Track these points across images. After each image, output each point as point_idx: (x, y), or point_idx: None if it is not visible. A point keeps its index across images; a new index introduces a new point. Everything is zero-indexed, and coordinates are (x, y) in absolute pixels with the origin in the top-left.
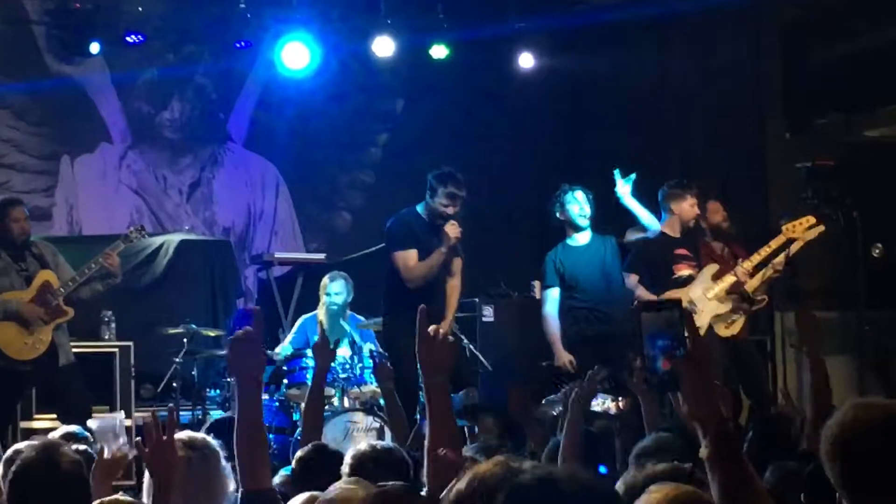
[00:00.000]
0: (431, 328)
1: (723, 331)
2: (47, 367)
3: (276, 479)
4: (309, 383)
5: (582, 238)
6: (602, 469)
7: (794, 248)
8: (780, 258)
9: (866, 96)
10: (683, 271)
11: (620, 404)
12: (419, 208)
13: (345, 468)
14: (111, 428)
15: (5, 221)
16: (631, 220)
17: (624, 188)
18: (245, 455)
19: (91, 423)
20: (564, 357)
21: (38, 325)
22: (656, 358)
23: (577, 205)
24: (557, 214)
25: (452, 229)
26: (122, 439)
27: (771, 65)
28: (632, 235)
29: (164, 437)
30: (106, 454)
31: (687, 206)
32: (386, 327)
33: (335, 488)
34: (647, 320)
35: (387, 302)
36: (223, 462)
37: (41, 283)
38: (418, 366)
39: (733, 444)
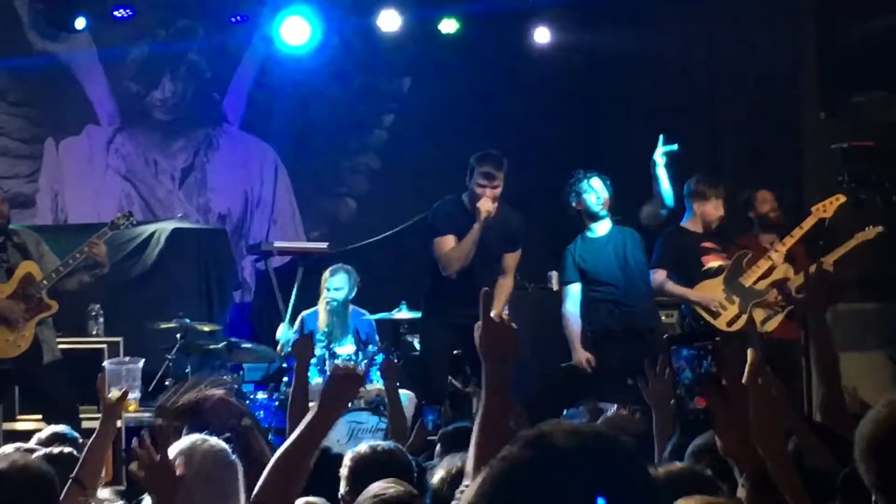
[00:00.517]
0: (494, 313)
1: (758, 326)
2: (30, 365)
3: None
4: (311, 381)
5: (601, 228)
6: (601, 501)
7: (849, 246)
8: (831, 258)
9: None
10: (713, 262)
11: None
12: (463, 196)
13: (343, 471)
14: (124, 374)
15: None
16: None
17: (660, 157)
18: (283, 476)
19: (106, 364)
20: (582, 355)
21: (20, 321)
22: (683, 369)
23: (594, 193)
24: (574, 204)
25: (485, 203)
26: (135, 389)
27: (803, 41)
28: (647, 209)
29: (158, 457)
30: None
31: (710, 209)
32: (422, 320)
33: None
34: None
35: (425, 294)
36: (240, 477)
37: (23, 276)
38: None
39: (771, 484)
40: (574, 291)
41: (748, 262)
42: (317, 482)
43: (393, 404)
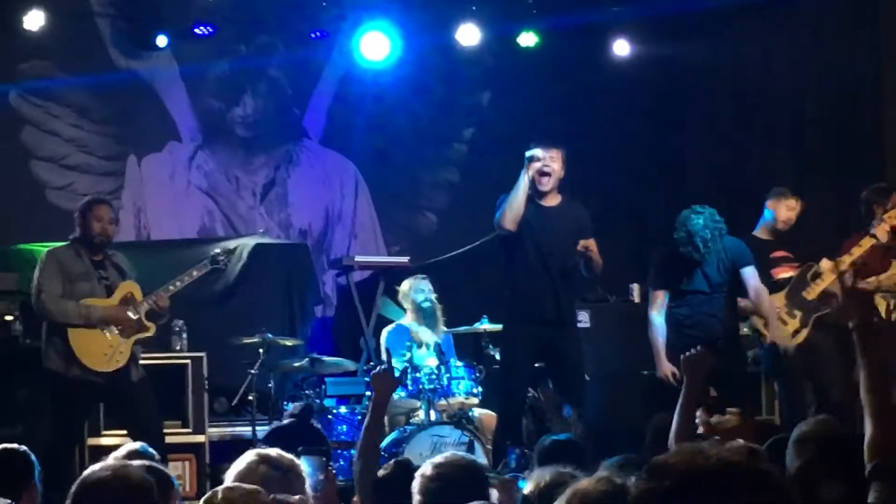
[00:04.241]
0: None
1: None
2: (120, 381)
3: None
4: (395, 395)
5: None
6: None
7: (864, 247)
8: (847, 258)
9: None
10: (783, 273)
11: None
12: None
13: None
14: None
15: (87, 218)
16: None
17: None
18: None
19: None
20: (666, 368)
21: (121, 336)
22: None
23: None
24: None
25: (536, 164)
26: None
27: (885, 44)
28: None
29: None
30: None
31: (783, 209)
32: (503, 329)
33: None
34: None
35: (506, 300)
36: (308, 490)
37: (124, 295)
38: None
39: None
40: (660, 299)
41: (813, 275)
42: (401, 498)
43: (371, 419)
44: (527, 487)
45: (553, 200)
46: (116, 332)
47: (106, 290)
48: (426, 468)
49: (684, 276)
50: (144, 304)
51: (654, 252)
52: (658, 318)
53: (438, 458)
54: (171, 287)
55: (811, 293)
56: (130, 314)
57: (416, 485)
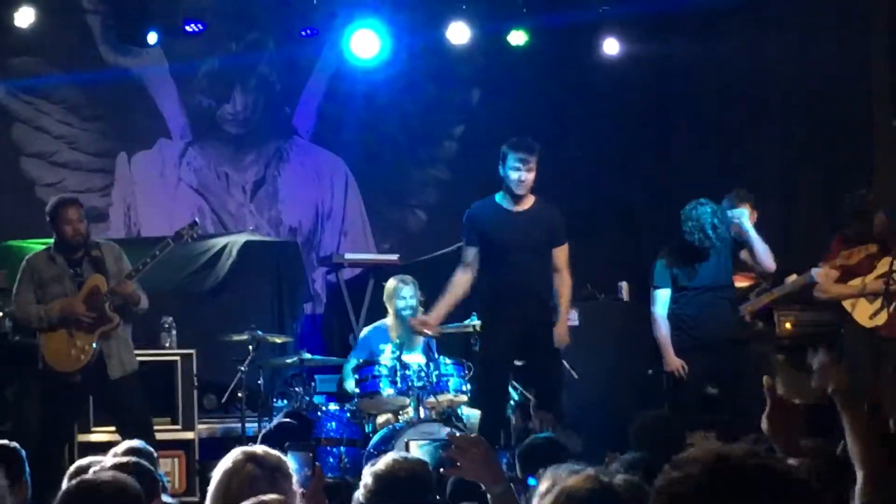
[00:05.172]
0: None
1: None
2: (97, 378)
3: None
4: (382, 392)
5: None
6: None
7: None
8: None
9: None
10: (739, 283)
11: None
12: (497, 196)
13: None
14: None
15: (57, 222)
16: None
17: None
18: None
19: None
20: (676, 363)
21: (82, 332)
22: None
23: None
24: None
25: (416, 324)
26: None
27: (874, 48)
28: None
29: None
30: None
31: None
32: (482, 325)
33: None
34: None
35: (480, 296)
36: (294, 487)
37: (90, 289)
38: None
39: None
40: (663, 296)
41: (757, 293)
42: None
43: None
44: (542, 485)
45: (525, 204)
46: (80, 328)
47: (79, 287)
48: (366, 478)
49: (688, 272)
50: (107, 294)
51: (654, 251)
52: (662, 313)
53: (379, 465)
54: (132, 272)
55: (745, 309)
56: (84, 307)
57: (358, 495)
